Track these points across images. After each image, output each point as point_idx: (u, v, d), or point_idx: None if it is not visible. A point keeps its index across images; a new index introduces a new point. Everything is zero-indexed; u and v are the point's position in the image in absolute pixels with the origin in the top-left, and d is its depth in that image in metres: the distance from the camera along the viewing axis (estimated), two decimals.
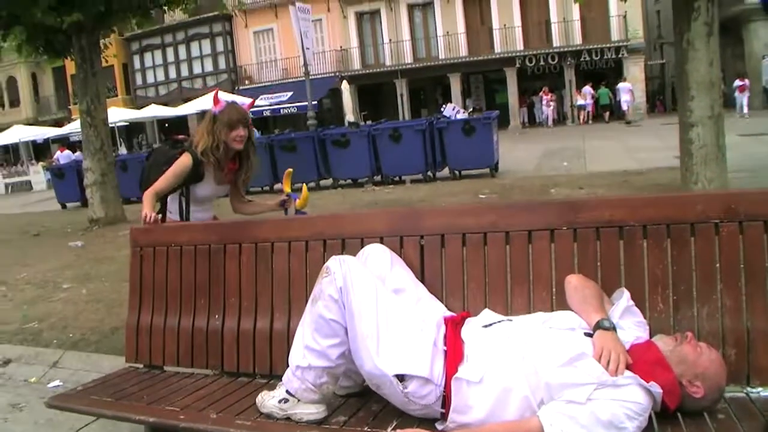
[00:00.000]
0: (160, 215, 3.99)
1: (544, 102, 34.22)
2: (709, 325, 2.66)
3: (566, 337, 2.45)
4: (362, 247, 3.00)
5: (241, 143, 3.95)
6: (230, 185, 4.24)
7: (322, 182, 15.32)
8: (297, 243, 3.25)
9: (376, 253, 2.90)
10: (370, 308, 2.52)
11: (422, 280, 2.97)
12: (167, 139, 4.45)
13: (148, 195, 3.90)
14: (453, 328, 2.61)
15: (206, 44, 41.02)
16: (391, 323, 2.52)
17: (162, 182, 3.94)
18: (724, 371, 2.43)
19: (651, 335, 2.63)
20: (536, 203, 3.17)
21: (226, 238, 3.44)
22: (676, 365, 2.37)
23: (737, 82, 27.00)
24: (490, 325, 2.59)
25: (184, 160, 3.93)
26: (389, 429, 2.52)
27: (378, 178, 14.90)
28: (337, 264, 2.60)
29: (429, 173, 14.62)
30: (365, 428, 2.56)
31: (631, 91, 31.11)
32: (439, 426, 2.48)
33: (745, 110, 26.10)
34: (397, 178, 14.76)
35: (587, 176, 12.29)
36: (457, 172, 14.54)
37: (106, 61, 16.25)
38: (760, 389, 2.60)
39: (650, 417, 2.35)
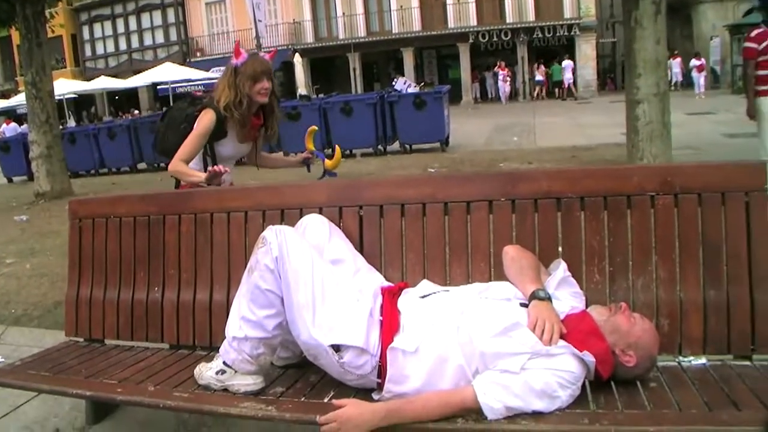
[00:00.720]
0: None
1: (500, 77, 34.16)
2: (644, 296, 2.68)
3: (501, 307, 2.43)
4: (301, 217, 2.95)
5: (266, 96, 3.69)
6: (253, 142, 3.97)
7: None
8: (236, 214, 3.19)
9: (314, 224, 2.85)
10: (306, 278, 2.47)
11: (361, 251, 2.93)
12: (185, 97, 4.12)
13: (179, 166, 3.66)
14: (390, 298, 2.58)
15: (157, 15, 40.19)
16: (327, 293, 2.48)
17: (187, 146, 3.67)
18: (656, 341, 2.45)
19: (587, 306, 2.64)
20: (475, 174, 3.13)
21: (166, 209, 3.36)
22: (609, 335, 2.38)
23: (694, 62, 27.22)
24: (427, 295, 2.57)
25: (207, 118, 3.66)
26: (326, 399, 2.49)
27: (329, 151, 14.76)
28: (273, 234, 2.54)
29: (380, 147, 14.55)
30: (302, 399, 2.53)
31: (572, 69, 31.56)
32: (375, 396, 2.45)
33: (702, 89, 26.33)
34: (347, 152, 14.64)
35: (537, 151, 12.37)
36: (407, 146, 14.50)
37: (53, 32, 15.75)
38: (691, 358, 2.63)
39: (584, 386, 2.36)
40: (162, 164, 15.74)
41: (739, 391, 2.33)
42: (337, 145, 4.37)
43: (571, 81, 32.26)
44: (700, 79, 26.90)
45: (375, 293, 2.60)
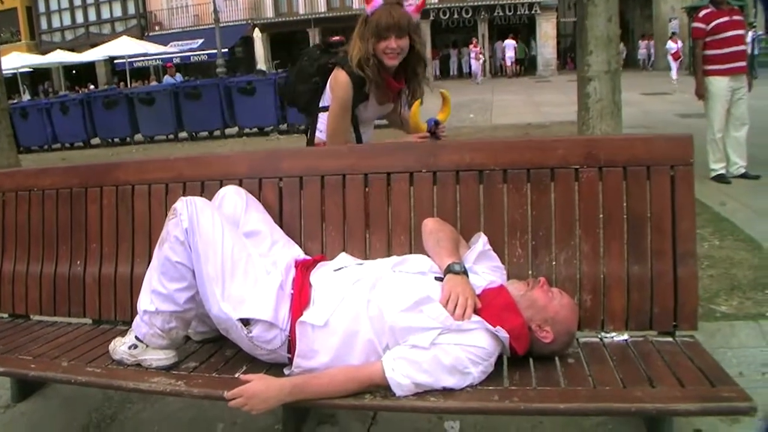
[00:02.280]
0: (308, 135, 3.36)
1: (472, 55, 33.74)
2: (567, 271, 2.61)
3: (415, 280, 2.35)
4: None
5: (395, 59, 3.04)
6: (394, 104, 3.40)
7: (228, 130, 14.90)
8: (157, 186, 3.06)
9: (231, 195, 2.74)
10: (216, 250, 2.37)
11: (280, 223, 2.82)
12: (319, 44, 3.52)
13: (335, 144, 3.18)
14: (303, 271, 2.49)
15: None
16: (236, 266, 2.38)
17: (333, 124, 3.17)
18: (574, 316, 2.38)
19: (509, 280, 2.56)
20: (396, 145, 3.02)
21: (88, 181, 3.22)
22: (526, 309, 2.30)
23: (670, 45, 26.05)
24: (341, 269, 2.48)
25: (342, 82, 3.09)
26: (237, 374, 2.39)
27: (284, 126, 14.58)
28: (183, 205, 2.43)
29: None
30: (213, 374, 2.45)
31: (514, 47, 31.79)
32: (286, 371, 2.37)
33: (675, 75, 25.00)
34: (303, 127, 14.41)
35: (492, 128, 12.33)
36: None
37: (2, 3, 15.25)
38: (613, 334, 2.57)
39: (501, 362, 2.30)
40: (116, 139, 15.46)
41: (657, 367, 2.27)
42: (442, 91, 3.51)
43: (513, 59, 32.49)
44: (676, 65, 24.79)
45: (288, 266, 2.51)
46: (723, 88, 6.52)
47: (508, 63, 32.85)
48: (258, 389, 2.15)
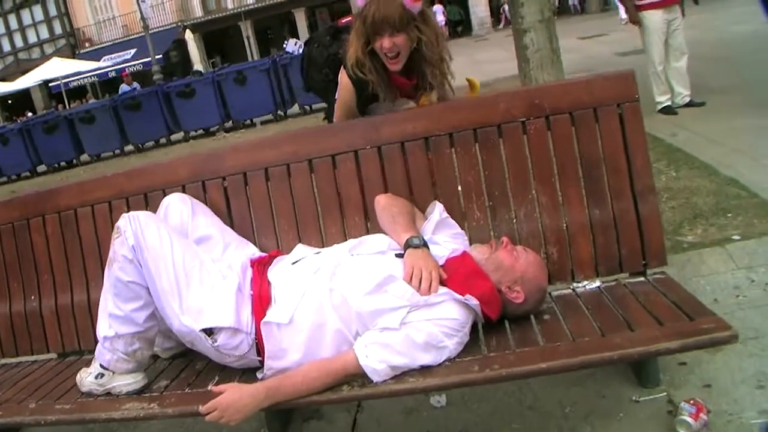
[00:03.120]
0: None
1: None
2: (528, 227, 2.55)
3: (374, 261, 2.26)
4: None
5: (396, 62, 2.62)
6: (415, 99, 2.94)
7: (173, 137, 14.58)
8: (100, 206, 2.94)
9: (175, 203, 2.62)
10: (167, 263, 2.26)
11: (231, 224, 2.72)
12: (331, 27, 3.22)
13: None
14: (260, 270, 2.38)
15: (38, 10, 37.99)
16: (190, 276, 2.28)
17: (338, 117, 2.95)
18: (543, 271, 2.32)
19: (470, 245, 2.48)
20: (335, 127, 2.91)
21: (28, 211, 3.08)
22: (493, 273, 2.23)
23: None
24: (298, 261, 2.38)
25: (344, 84, 2.80)
26: (210, 386, 2.29)
27: (229, 124, 14.32)
28: (126, 222, 2.31)
29: (279, 112, 14.08)
30: (186, 389, 2.36)
31: (443, 11, 31.69)
32: (259, 375, 2.27)
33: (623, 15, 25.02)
34: (248, 122, 14.23)
35: None
36: (307, 107, 14.04)
37: None
38: (585, 282, 2.53)
39: (476, 329, 2.23)
40: (62, 163, 15.03)
41: (633, 309, 2.23)
42: (468, 78, 3.21)
43: (443, 23, 32.31)
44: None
45: (244, 267, 2.40)
46: (658, 21, 6.48)
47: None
48: (231, 399, 2.05)
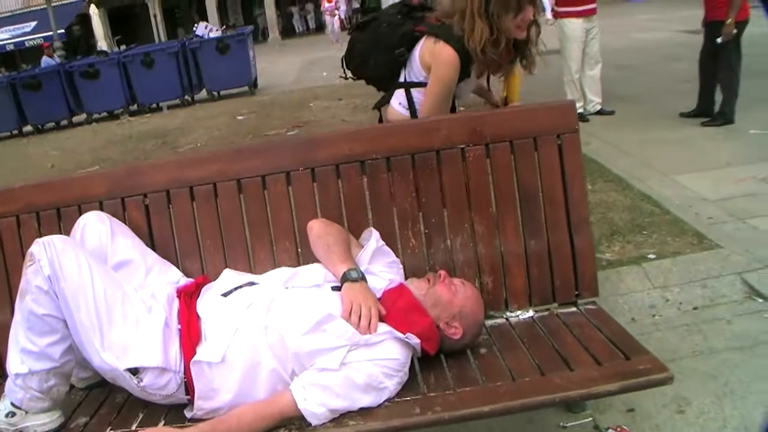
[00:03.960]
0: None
1: (327, 11, 30.98)
2: (464, 255, 2.50)
3: (311, 297, 2.15)
4: (80, 215, 2.48)
5: (524, 30, 2.60)
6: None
7: (75, 119, 13.83)
8: (6, 220, 2.63)
9: (93, 224, 2.40)
10: (87, 295, 2.06)
11: (152, 245, 2.52)
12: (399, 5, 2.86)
13: None
14: (187, 301, 2.22)
15: None
16: (112, 310, 2.09)
17: (434, 106, 2.68)
18: (480, 306, 2.27)
19: (406, 273, 2.42)
20: (266, 144, 2.82)
21: None
22: (432, 308, 2.17)
23: None
24: (229, 292, 2.22)
25: (451, 61, 2.59)
26: (134, 426, 2.13)
27: (134, 107, 13.72)
28: (41, 248, 2.09)
29: (186, 97, 13.53)
30: (107, 430, 2.15)
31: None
32: (187, 414, 2.12)
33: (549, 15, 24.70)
34: (154, 106, 13.65)
35: (346, 86, 12.00)
36: (215, 93, 13.64)
37: None
38: (518, 312, 2.50)
39: (413, 363, 2.16)
40: (17, 132, 13.96)
41: (569, 345, 2.22)
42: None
43: (346, 13, 31.70)
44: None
45: (170, 298, 2.23)
46: (577, 29, 6.59)
47: (342, 16, 31.42)
48: None
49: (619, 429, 2.36)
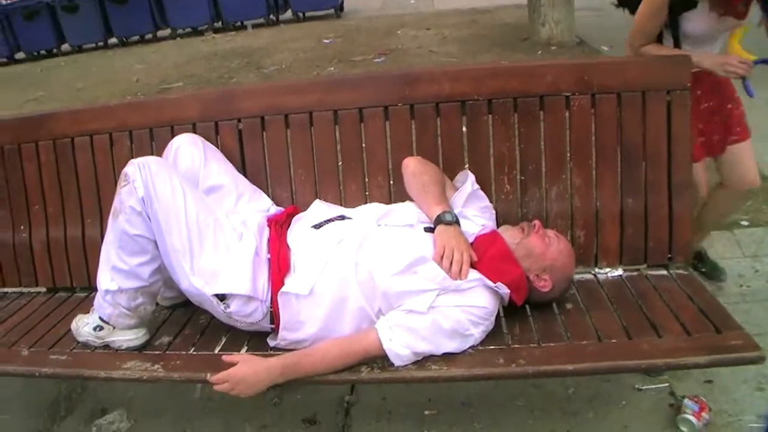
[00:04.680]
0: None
1: None
2: (558, 207, 2.43)
3: (404, 237, 2.12)
4: (173, 136, 2.49)
5: None
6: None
7: (159, 33, 13.86)
8: (99, 137, 2.68)
9: (186, 146, 2.40)
10: (180, 219, 2.07)
11: (243, 171, 2.52)
12: None
13: (638, 49, 2.56)
14: (278, 231, 2.21)
15: None
16: (204, 235, 2.09)
17: (638, 23, 2.54)
18: (572, 261, 2.21)
19: (498, 219, 2.38)
20: (367, 76, 2.73)
21: (21, 136, 2.80)
22: (523, 259, 2.12)
23: None
24: (320, 225, 2.21)
25: None
26: (217, 349, 2.18)
27: (218, 24, 13.66)
28: (136, 169, 2.09)
29: (272, 17, 13.42)
30: (191, 350, 2.21)
31: None
32: (271, 342, 2.14)
33: None
34: (238, 24, 13.61)
35: (435, 15, 11.80)
36: (300, 14, 13.41)
37: None
38: (607, 270, 2.43)
39: (499, 313, 2.13)
40: (42, 52, 14.31)
41: (658, 310, 2.14)
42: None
43: None
44: None
45: (261, 226, 2.23)
46: None
47: None
48: (245, 373, 1.92)
49: (696, 399, 2.30)
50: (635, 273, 2.40)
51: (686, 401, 2.30)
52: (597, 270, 2.43)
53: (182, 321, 2.38)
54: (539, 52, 7.43)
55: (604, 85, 2.34)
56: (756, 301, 2.96)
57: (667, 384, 2.49)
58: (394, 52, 8.20)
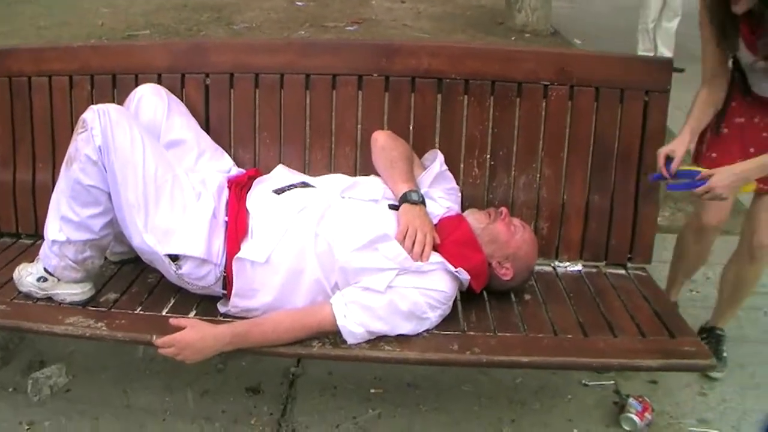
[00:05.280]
0: None
1: None
2: (525, 196, 2.40)
3: (367, 212, 2.04)
4: (137, 85, 2.35)
5: (737, 4, 1.99)
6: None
7: None
8: (59, 78, 2.50)
9: (150, 97, 2.26)
10: (137, 172, 1.95)
11: (206, 128, 2.40)
12: None
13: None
14: (237, 193, 2.11)
15: None
16: (161, 191, 1.98)
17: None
18: (535, 252, 2.18)
19: (463, 203, 2.32)
20: (344, 42, 2.65)
21: None
22: (487, 245, 2.07)
23: None
24: (282, 190, 2.11)
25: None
26: (164, 311, 2.07)
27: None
28: (95, 116, 1.94)
29: None
30: (138, 310, 2.09)
31: None
32: (221, 308, 2.05)
33: None
34: None
35: None
36: None
37: None
38: (567, 264, 2.42)
39: (456, 298, 2.08)
40: None
41: (615, 309, 2.14)
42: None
43: None
44: None
45: (220, 187, 2.12)
46: None
47: None
48: (192, 339, 1.82)
49: (640, 399, 2.29)
50: (594, 270, 2.39)
51: (631, 400, 2.29)
52: (557, 263, 2.40)
53: (130, 278, 2.26)
54: (513, 38, 7.39)
55: (584, 78, 2.30)
56: (705, 307, 2.96)
57: (612, 382, 2.49)
58: (368, 21, 8.05)
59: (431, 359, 1.88)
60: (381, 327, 1.88)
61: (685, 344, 1.95)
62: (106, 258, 2.27)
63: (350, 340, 1.87)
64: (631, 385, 2.46)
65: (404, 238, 1.95)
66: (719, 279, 2.64)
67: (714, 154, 2.32)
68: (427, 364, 1.91)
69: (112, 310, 2.08)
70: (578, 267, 2.39)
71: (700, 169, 2.11)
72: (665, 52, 6.39)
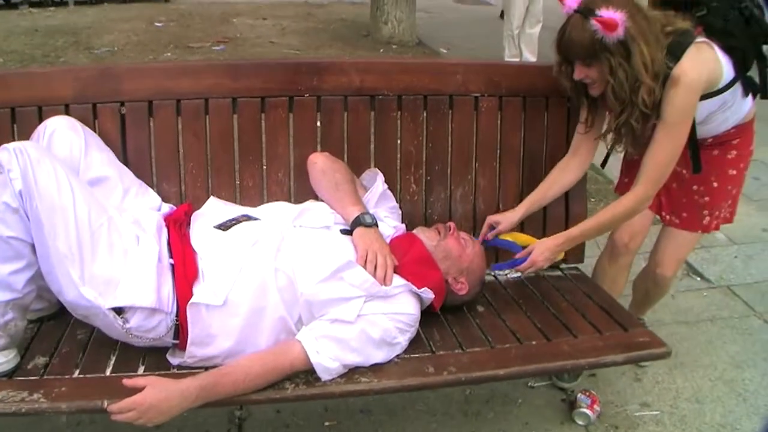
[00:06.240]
0: None
1: None
2: (463, 208, 2.37)
3: (323, 240, 1.92)
4: (40, 118, 2.06)
5: (594, 89, 1.98)
6: None
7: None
8: None
9: (64, 131, 1.97)
10: (68, 219, 1.67)
11: (125, 162, 2.14)
12: None
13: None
14: (178, 232, 1.91)
15: None
16: (97, 238, 1.71)
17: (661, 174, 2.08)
18: (484, 263, 2.15)
19: (402, 221, 2.24)
20: (272, 62, 2.48)
21: None
22: (441, 261, 2.01)
23: None
24: (228, 226, 1.93)
25: None
26: (108, 371, 1.79)
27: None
28: (11, 156, 1.63)
29: None
30: (75, 373, 1.78)
31: None
32: (172, 359, 1.83)
33: None
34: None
35: (269, 5, 11.39)
36: None
37: None
38: (507, 271, 2.39)
39: None
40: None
41: (564, 310, 2.16)
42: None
43: None
44: None
45: (159, 226, 1.90)
46: None
47: None
48: (156, 399, 1.58)
49: (587, 393, 2.32)
50: (533, 274, 2.36)
51: (579, 396, 2.32)
52: (497, 272, 2.37)
53: (56, 337, 1.93)
54: (381, 50, 7.40)
55: (512, 87, 2.31)
56: (621, 297, 3.06)
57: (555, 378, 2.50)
58: (234, 40, 7.82)
59: (410, 385, 1.78)
60: (355, 358, 1.76)
61: (638, 336, 2.01)
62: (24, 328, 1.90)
63: (325, 377, 1.73)
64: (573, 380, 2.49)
65: (365, 263, 1.84)
66: (633, 281, 2.70)
67: (626, 179, 2.34)
68: (406, 390, 1.82)
69: (45, 377, 1.76)
70: (517, 273, 2.37)
71: (519, 242, 2.25)
72: (529, 57, 6.61)
